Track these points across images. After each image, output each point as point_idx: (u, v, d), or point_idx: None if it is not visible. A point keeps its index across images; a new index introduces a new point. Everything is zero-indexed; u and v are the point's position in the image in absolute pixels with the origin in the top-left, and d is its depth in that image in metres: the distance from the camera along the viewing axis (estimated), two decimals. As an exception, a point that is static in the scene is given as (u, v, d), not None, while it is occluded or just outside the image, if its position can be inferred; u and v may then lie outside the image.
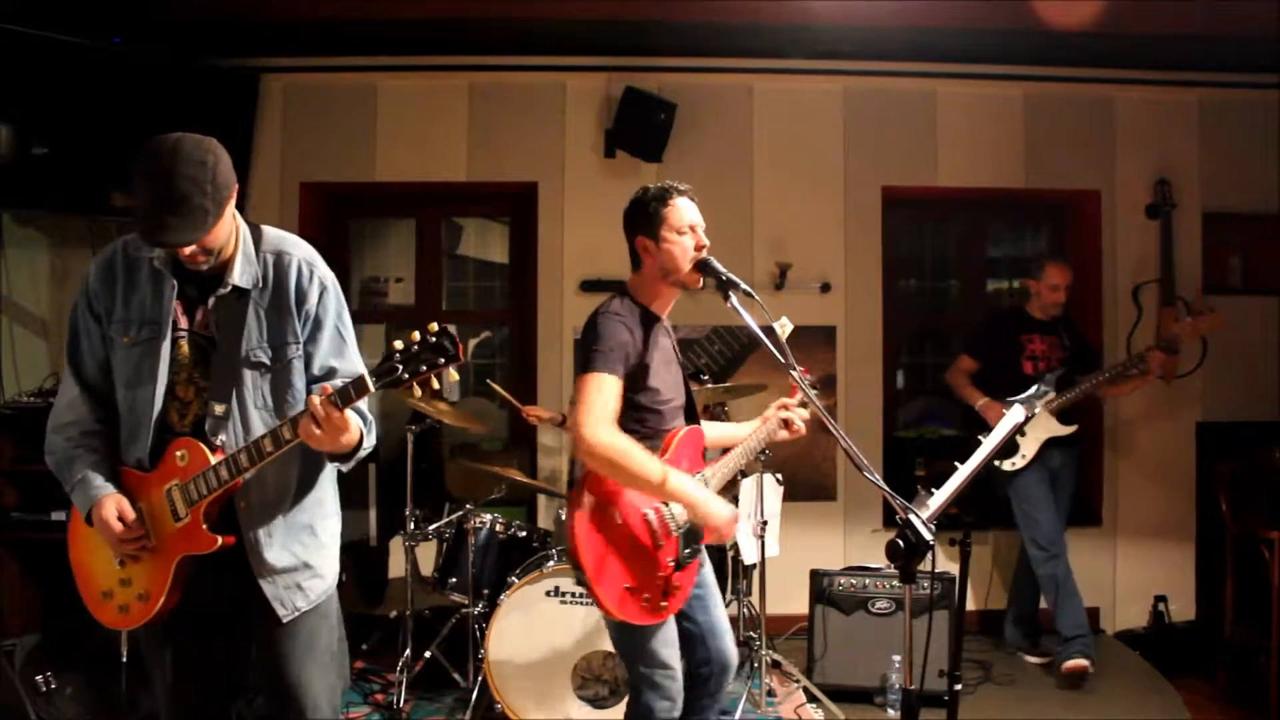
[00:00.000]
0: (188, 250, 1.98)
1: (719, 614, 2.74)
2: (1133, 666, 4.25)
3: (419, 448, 4.13)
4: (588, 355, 2.47)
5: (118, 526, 2.03)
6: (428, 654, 3.96)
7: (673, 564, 2.50)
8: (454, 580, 3.92)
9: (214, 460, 2.02)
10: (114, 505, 2.04)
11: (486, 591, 3.85)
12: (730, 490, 4.08)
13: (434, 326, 1.90)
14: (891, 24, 4.53)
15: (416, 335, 1.89)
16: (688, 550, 2.53)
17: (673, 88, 4.92)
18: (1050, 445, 4.35)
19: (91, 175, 4.31)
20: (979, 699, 4.09)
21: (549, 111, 5.02)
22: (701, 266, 2.60)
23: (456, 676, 3.94)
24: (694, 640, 2.69)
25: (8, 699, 3.25)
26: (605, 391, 2.41)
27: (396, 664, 3.94)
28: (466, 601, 3.85)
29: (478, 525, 3.83)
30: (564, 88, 5.03)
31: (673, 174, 4.98)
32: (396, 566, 4.85)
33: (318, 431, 1.93)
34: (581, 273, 4.94)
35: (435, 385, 1.92)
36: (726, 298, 2.52)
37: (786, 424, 2.76)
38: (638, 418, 2.55)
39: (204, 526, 2.04)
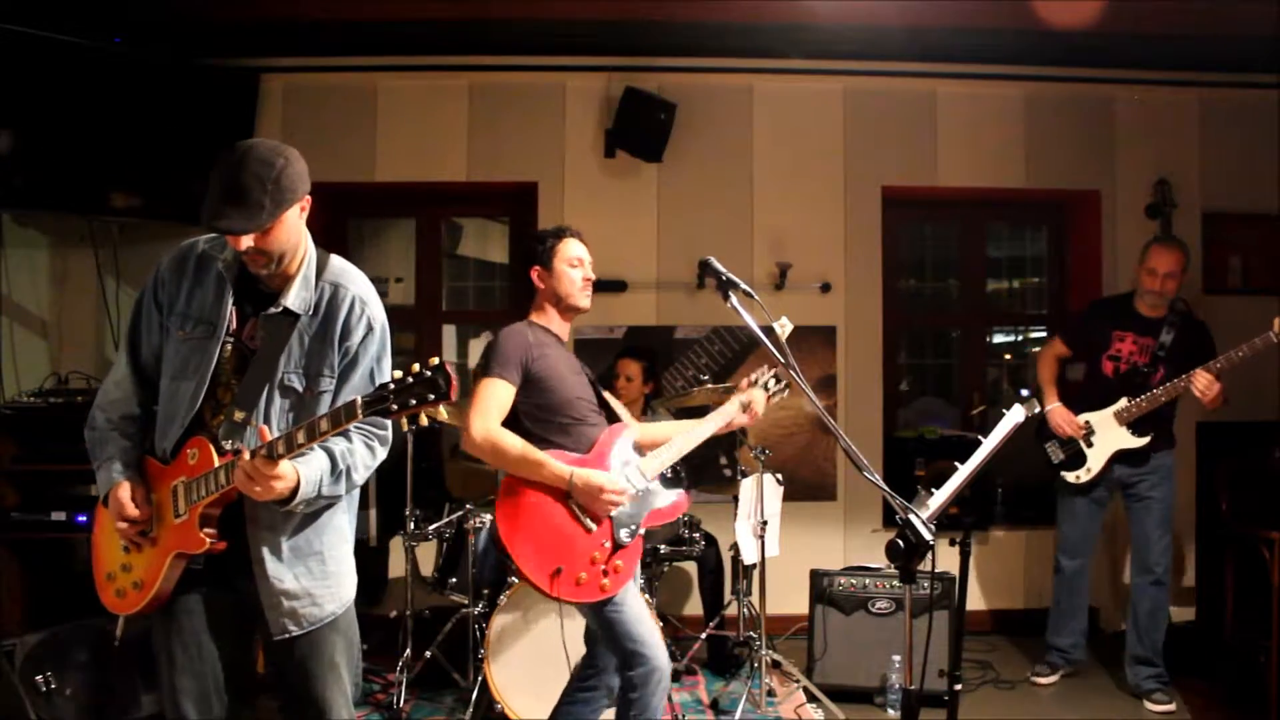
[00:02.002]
0: (243, 244, 2.00)
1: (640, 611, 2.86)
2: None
3: (419, 448, 4.13)
4: (486, 362, 2.76)
5: (130, 509, 2.06)
6: (428, 654, 3.96)
7: (610, 545, 2.71)
8: (454, 580, 3.92)
9: (218, 464, 2.04)
10: (128, 489, 2.09)
11: (486, 591, 3.85)
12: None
13: (434, 361, 1.90)
14: (891, 24, 4.52)
15: (416, 367, 1.90)
16: (623, 531, 2.74)
17: (673, 88, 4.92)
18: (1116, 461, 4.03)
19: (91, 175, 4.32)
20: (979, 699, 4.10)
21: (549, 111, 5.02)
22: (702, 267, 2.69)
23: (456, 676, 3.94)
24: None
25: (8, 699, 3.24)
26: (494, 394, 2.72)
27: (396, 664, 3.93)
28: (466, 601, 3.85)
29: (478, 525, 3.83)
30: (564, 88, 5.03)
31: (673, 174, 5.01)
32: (396, 566, 4.85)
33: (246, 481, 1.96)
34: (581, 273, 4.94)
35: (424, 421, 1.95)
36: (726, 298, 2.57)
37: (745, 407, 2.95)
38: (555, 417, 2.79)
39: (199, 527, 2.05)
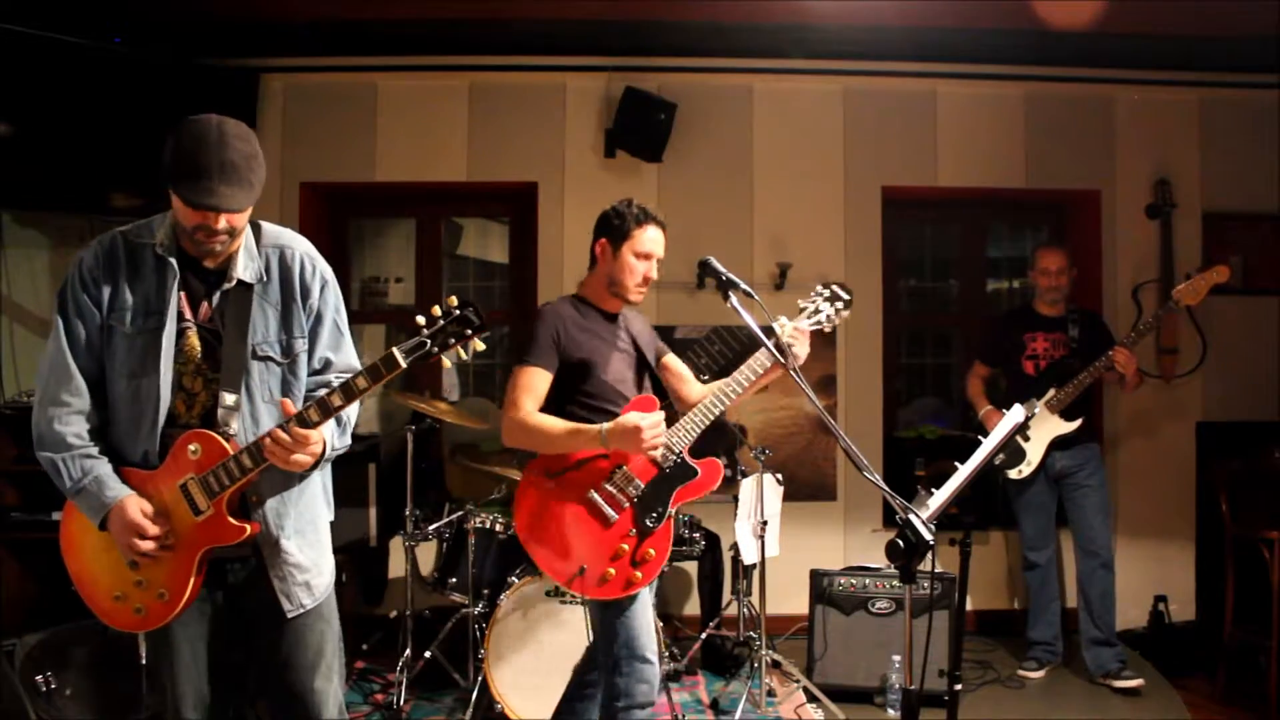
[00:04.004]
0: (221, 224, 1.98)
1: (648, 619, 2.74)
2: (1133, 666, 4.25)
3: (419, 448, 4.13)
4: (526, 346, 2.70)
5: (150, 527, 1.99)
6: (428, 654, 3.96)
7: (636, 534, 2.61)
8: (454, 580, 3.92)
9: (231, 450, 2.01)
10: (137, 507, 2.00)
11: (486, 591, 3.85)
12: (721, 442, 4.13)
13: (453, 300, 1.92)
14: (892, 24, 4.53)
15: (438, 310, 1.91)
16: (649, 517, 2.63)
17: (673, 88, 4.92)
18: (1052, 448, 4.24)
19: (91, 175, 4.32)
20: (979, 699, 4.09)
21: (549, 111, 5.02)
22: (702, 266, 2.67)
23: (456, 676, 3.94)
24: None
25: (8, 699, 3.24)
26: (525, 382, 2.65)
27: (396, 664, 3.93)
28: (466, 601, 3.85)
29: (478, 525, 3.83)
30: (564, 88, 5.03)
31: (673, 174, 5.00)
32: (396, 566, 4.85)
33: (286, 454, 1.96)
34: (581, 273, 4.83)
35: (463, 356, 1.94)
36: (726, 298, 2.56)
37: (782, 352, 2.61)
38: (588, 401, 2.69)
39: (229, 518, 2.02)
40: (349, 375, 2.00)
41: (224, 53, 4.76)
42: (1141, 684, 4.10)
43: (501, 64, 4.96)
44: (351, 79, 4.97)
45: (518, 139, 5.01)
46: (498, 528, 3.88)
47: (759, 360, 2.70)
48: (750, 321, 2.46)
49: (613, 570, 2.57)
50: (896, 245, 5.46)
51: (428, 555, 4.25)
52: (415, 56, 4.94)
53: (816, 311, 2.85)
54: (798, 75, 5.07)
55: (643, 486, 2.64)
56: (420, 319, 1.91)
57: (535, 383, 2.65)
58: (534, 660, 3.50)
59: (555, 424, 2.60)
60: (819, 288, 2.89)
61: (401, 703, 3.81)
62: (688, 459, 2.71)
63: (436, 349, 1.89)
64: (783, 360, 2.53)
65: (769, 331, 2.53)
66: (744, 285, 2.56)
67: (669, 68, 4.96)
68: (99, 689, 3.41)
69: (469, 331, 1.90)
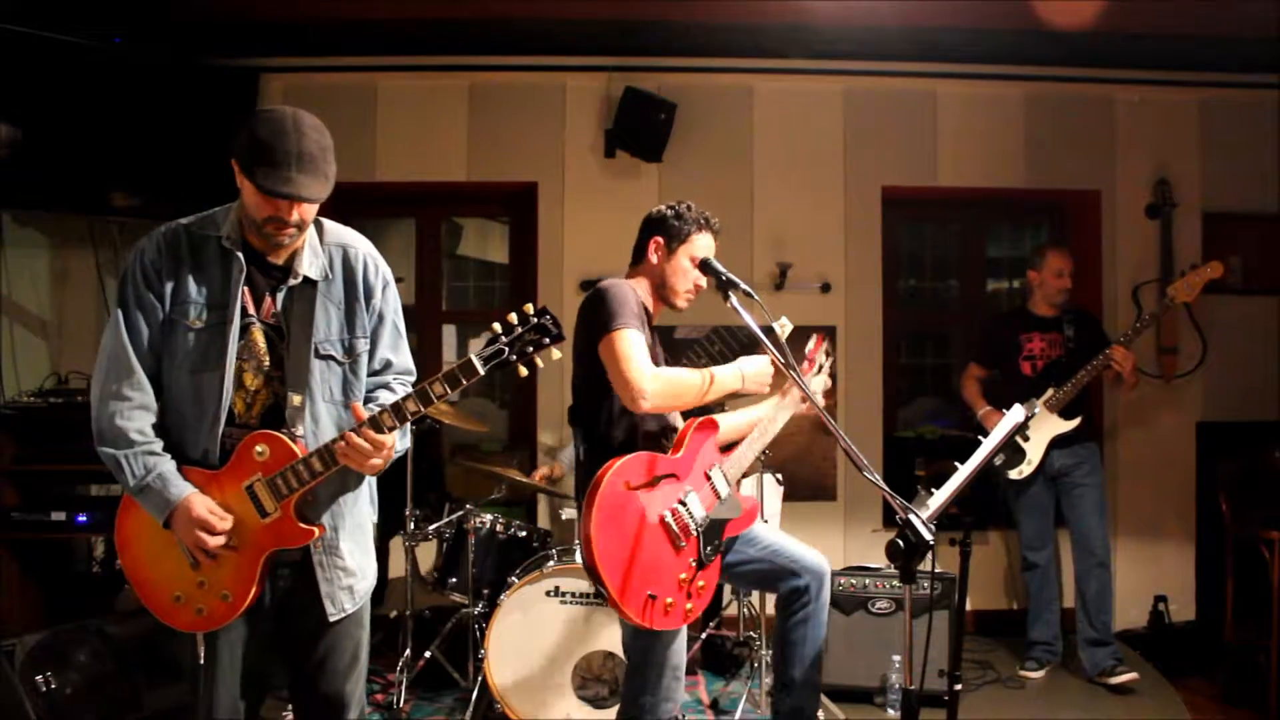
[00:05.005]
0: (293, 215, 1.97)
1: (775, 536, 2.76)
2: (1133, 667, 4.26)
3: (419, 448, 4.12)
4: (607, 316, 2.50)
5: (219, 523, 1.97)
6: (428, 654, 3.96)
7: (694, 564, 2.52)
8: (454, 580, 3.92)
9: (300, 453, 1.99)
10: (203, 503, 1.98)
11: (486, 591, 3.85)
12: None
13: (530, 308, 1.92)
14: (892, 24, 4.53)
15: (514, 317, 1.90)
16: (709, 548, 2.55)
17: (673, 88, 4.92)
18: (1051, 447, 4.25)
19: (91, 175, 4.31)
20: (979, 699, 4.09)
21: (549, 111, 5.02)
22: (702, 266, 2.66)
23: (456, 676, 3.94)
24: (770, 571, 2.71)
25: (8, 699, 3.24)
26: (635, 344, 2.47)
27: (396, 664, 3.93)
28: (466, 601, 3.85)
29: (478, 525, 3.83)
30: (564, 88, 5.03)
31: (673, 174, 5.00)
32: (396, 566, 4.85)
33: (363, 458, 1.96)
34: (581, 272, 4.94)
35: (540, 364, 1.94)
36: (726, 298, 2.56)
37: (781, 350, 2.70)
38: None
39: (298, 520, 2.01)
40: (420, 381, 1.99)
41: (224, 53, 4.76)
42: (1136, 678, 4.10)
43: (501, 64, 4.96)
44: (351, 79, 4.97)
45: (518, 139, 5.01)
46: (498, 528, 3.89)
47: (791, 401, 2.76)
48: (750, 321, 2.47)
49: (670, 599, 2.44)
50: (896, 245, 5.46)
51: (428, 555, 4.25)
52: (415, 56, 4.94)
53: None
54: (798, 75, 5.07)
55: (707, 516, 2.56)
56: (497, 326, 1.90)
57: (641, 346, 2.50)
58: (534, 660, 3.50)
59: (694, 373, 2.56)
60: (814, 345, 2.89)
61: (401, 703, 3.81)
62: (736, 493, 2.69)
63: (515, 357, 1.89)
64: (783, 359, 2.52)
65: (769, 331, 2.52)
66: (744, 285, 2.55)
67: (669, 68, 4.96)
68: (99, 689, 3.41)
69: (547, 340, 1.90)
